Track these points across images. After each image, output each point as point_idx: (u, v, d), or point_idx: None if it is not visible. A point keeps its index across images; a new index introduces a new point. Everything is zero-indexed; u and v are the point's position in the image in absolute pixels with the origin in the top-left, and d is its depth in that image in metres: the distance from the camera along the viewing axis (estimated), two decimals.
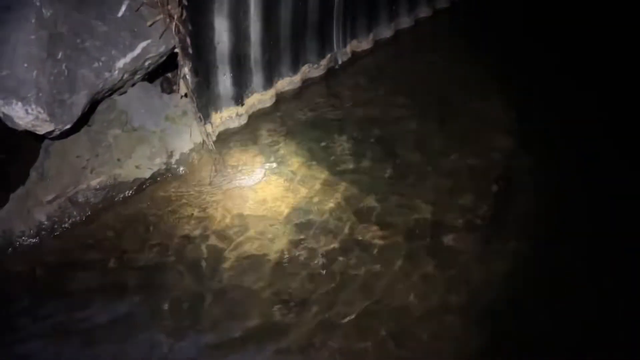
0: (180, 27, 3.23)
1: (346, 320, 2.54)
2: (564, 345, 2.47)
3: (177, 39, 3.27)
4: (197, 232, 3.02)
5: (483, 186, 3.35)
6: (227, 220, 3.10)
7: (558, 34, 5.31)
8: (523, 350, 2.45)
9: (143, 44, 3.08)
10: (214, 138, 3.63)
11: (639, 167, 3.47)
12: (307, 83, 4.34)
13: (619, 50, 4.95)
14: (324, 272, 2.78)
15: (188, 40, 3.32)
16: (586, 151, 3.66)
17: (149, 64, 3.23)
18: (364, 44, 4.84)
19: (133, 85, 3.42)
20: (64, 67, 2.82)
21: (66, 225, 3.08)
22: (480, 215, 3.13)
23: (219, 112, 3.70)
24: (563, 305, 2.64)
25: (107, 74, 3.02)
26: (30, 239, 2.98)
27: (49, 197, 3.06)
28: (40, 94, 2.71)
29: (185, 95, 3.50)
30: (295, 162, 3.53)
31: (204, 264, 2.85)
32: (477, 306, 2.61)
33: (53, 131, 2.86)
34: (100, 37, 2.97)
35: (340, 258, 2.86)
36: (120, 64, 3.06)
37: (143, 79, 3.47)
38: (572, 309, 2.61)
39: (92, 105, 3.18)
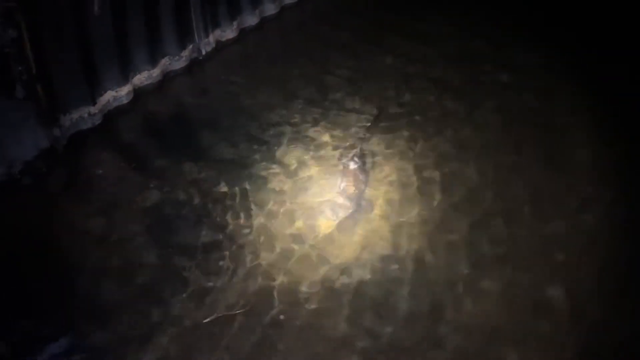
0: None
1: None
2: None
3: (9, 35, 2.97)
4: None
5: None
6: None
7: None
8: None
9: None
10: (65, 142, 3.37)
11: None
12: (168, 76, 4.15)
13: None
14: None
15: (25, 36, 3.03)
16: None
17: None
18: (228, 33, 4.71)
19: None
20: None
21: None
22: None
23: (67, 113, 3.41)
24: None
25: None
26: None
27: None
28: None
29: (26, 98, 3.20)
30: (158, 161, 3.38)
31: None
32: None
33: None
34: None
35: None
36: None
37: None
38: None
39: None
